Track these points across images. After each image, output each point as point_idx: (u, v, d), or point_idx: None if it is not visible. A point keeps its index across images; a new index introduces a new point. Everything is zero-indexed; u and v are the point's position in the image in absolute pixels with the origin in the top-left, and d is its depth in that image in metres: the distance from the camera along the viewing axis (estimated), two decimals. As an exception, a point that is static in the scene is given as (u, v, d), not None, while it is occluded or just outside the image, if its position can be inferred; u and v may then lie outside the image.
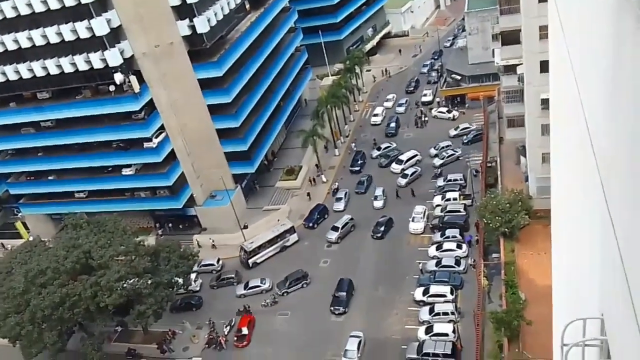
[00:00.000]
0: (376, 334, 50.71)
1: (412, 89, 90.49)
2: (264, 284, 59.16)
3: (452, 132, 76.13)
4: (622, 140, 4.72)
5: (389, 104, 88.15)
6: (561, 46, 9.24)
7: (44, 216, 76.10)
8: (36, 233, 72.75)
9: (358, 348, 48.89)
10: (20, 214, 78.83)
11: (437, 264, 55.47)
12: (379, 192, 67.66)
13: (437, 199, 64.59)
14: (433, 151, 73.31)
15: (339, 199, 68.67)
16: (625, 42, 4.25)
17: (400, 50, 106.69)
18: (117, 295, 47.73)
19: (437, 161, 71.06)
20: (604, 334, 6.17)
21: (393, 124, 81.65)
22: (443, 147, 73.13)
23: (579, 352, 6.28)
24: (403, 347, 48.45)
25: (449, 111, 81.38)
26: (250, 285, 59.29)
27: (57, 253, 50.66)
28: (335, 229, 63.58)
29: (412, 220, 62.00)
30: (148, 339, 55.89)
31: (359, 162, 75.05)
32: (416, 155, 72.77)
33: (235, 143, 68.98)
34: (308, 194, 71.98)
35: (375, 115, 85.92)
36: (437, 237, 59.24)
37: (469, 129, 75.22)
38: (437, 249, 57.47)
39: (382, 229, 61.85)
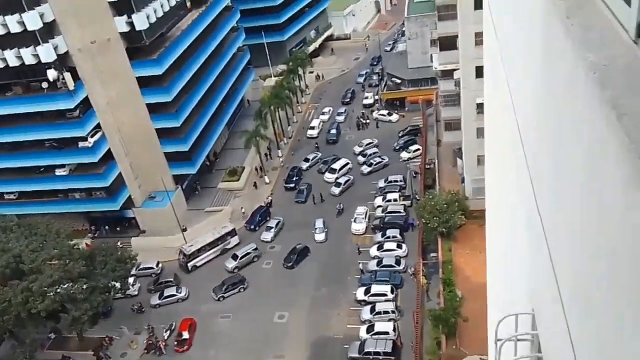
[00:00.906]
0: (319, 334, 51.02)
1: (348, 99, 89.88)
2: (180, 292, 58.12)
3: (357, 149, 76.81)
4: (548, 139, 5.01)
5: (325, 117, 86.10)
6: (494, 51, 9.63)
7: (-32, 219, 71.80)
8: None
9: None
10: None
11: (378, 264, 56.39)
12: (319, 224, 63.93)
13: (378, 200, 65.69)
14: (361, 158, 74.12)
15: (268, 228, 64.98)
16: (553, 45, 4.50)
17: (332, 50, 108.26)
18: (50, 301, 45.73)
19: (365, 168, 71.85)
20: (534, 328, 6.41)
21: (334, 131, 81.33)
22: (370, 155, 74.20)
23: (512, 347, 6.50)
24: (345, 346, 48.95)
25: (389, 114, 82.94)
26: (165, 295, 58.05)
27: (-16, 257, 48.01)
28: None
29: (354, 221, 62.77)
30: (84, 346, 53.73)
31: (295, 179, 72.37)
32: (348, 163, 72.91)
33: (176, 143, 67.56)
34: (255, 184, 72.53)
35: (312, 128, 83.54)
36: (378, 237, 60.25)
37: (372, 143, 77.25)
38: (378, 249, 58.43)
39: (295, 257, 59.56)
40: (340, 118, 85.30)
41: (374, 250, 58.59)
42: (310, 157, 76.03)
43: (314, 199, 68.35)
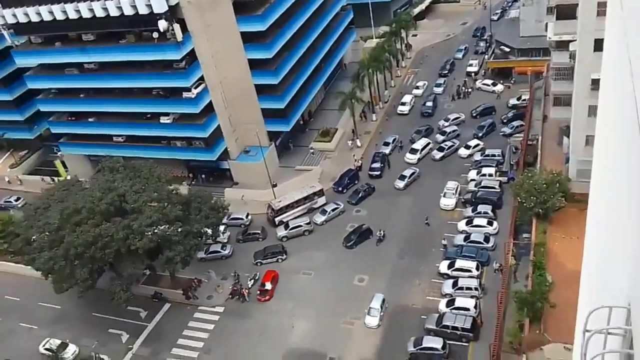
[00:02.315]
0: (398, 301, 50.92)
1: (446, 71, 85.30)
2: (225, 250, 60.25)
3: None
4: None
5: (418, 92, 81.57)
6: (618, 25, 8.59)
7: (82, 157, 77.98)
8: (74, 173, 74.81)
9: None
10: (59, 153, 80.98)
11: (465, 239, 54.87)
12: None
13: (472, 174, 63.42)
14: (440, 137, 71.22)
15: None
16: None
17: (435, 13, 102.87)
18: (147, 240, 48.89)
19: (437, 154, 68.72)
20: (628, 323, 6.11)
21: (430, 103, 77.83)
22: (450, 133, 71.12)
23: (601, 339, 6.26)
24: (422, 317, 48.58)
25: (494, 84, 78.93)
26: (210, 250, 60.11)
27: (92, 194, 51.98)
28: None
29: (444, 196, 61.11)
30: (174, 285, 57.47)
31: (379, 166, 67.88)
32: (429, 143, 69.90)
33: (273, 100, 68.72)
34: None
35: (403, 104, 78.97)
36: (469, 212, 58.44)
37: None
38: (467, 223, 56.74)
39: (356, 238, 58.40)
40: (439, 89, 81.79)
41: (462, 225, 56.99)
42: (390, 139, 72.76)
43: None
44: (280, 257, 58.93)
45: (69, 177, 71.94)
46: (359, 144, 73.80)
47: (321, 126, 78.18)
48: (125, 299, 50.31)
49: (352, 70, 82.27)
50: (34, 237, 52.78)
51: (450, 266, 52.17)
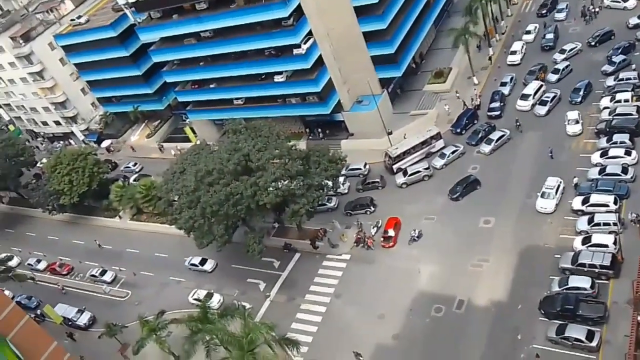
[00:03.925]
0: (527, 241, 49.21)
1: (544, 11, 76.71)
2: (330, 203, 61.80)
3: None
4: None
5: (529, 37, 73.70)
6: None
7: (207, 122, 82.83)
8: (202, 137, 79.92)
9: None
10: (187, 120, 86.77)
11: (600, 172, 51.15)
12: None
13: (605, 101, 58.29)
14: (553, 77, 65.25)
15: (489, 141, 60.34)
16: None
17: None
18: (273, 195, 51.46)
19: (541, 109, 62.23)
20: None
21: (550, 35, 71.18)
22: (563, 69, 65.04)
23: None
24: (556, 256, 46.60)
25: (625, -1, 70.75)
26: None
27: (220, 156, 55.33)
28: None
29: (567, 124, 57.29)
30: (302, 235, 60.27)
31: (499, 105, 64.48)
32: (542, 85, 64.26)
33: (382, 46, 67.52)
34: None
35: (513, 52, 71.74)
36: (602, 142, 54.16)
37: None
38: (602, 155, 52.72)
39: (462, 189, 56.43)
40: (561, 15, 74.63)
41: (596, 157, 53.10)
42: (508, 79, 68.03)
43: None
44: (368, 209, 59.72)
45: (198, 142, 77.09)
46: (475, 81, 70.58)
47: (434, 67, 75.65)
48: (259, 251, 53.74)
49: (463, 3, 77.84)
50: (174, 199, 57.75)
51: (584, 202, 49.12)
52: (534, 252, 48.20)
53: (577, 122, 56.84)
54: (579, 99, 60.37)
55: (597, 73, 63.14)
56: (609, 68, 62.39)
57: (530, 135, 59.98)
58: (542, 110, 61.61)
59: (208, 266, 62.10)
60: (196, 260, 62.56)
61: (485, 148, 60.32)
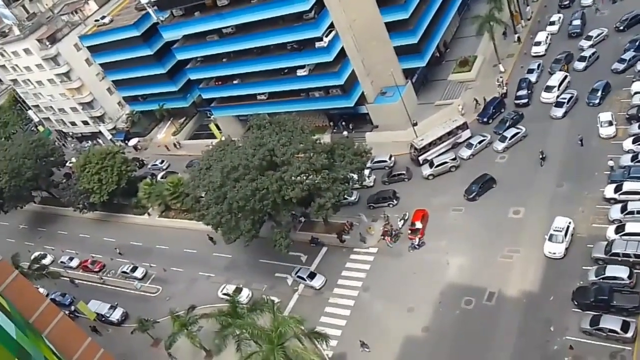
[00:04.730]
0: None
1: (567, 2, 74.45)
2: (351, 197, 60.46)
3: None
4: None
5: (554, 28, 71.46)
6: None
7: (232, 118, 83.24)
8: (227, 133, 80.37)
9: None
10: (212, 117, 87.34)
11: (632, 159, 49.81)
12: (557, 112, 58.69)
13: (636, 86, 56.65)
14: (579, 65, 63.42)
15: (504, 139, 59.15)
16: None
17: None
18: (299, 189, 51.42)
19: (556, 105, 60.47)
20: None
21: (577, 22, 69.07)
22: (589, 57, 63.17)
23: None
24: (589, 245, 45.65)
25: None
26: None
27: (246, 151, 55.46)
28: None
29: (601, 126, 54.87)
30: (328, 229, 60.22)
31: (526, 93, 63.11)
32: (567, 76, 62.46)
33: (405, 36, 66.80)
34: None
35: (537, 44, 69.56)
36: (635, 128, 52.74)
37: None
38: (634, 142, 51.33)
39: (477, 188, 55.31)
40: (588, 1, 72.44)
41: (628, 144, 51.72)
42: (535, 65, 66.59)
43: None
44: (390, 202, 59.37)
45: (223, 138, 77.53)
46: (502, 68, 69.34)
47: (458, 56, 74.55)
48: (286, 245, 53.83)
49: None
50: (201, 195, 58.23)
51: (617, 189, 47.94)
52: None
53: (611, 123, 54.43)
54: (597, 101, 58.00)
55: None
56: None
57: (559, 125, 58.72)
58: (558, 112, 59.44)
59: (317, 282, 55.74)
60: (304, 273, 56.77)
61: (499, 145, 59.13)
